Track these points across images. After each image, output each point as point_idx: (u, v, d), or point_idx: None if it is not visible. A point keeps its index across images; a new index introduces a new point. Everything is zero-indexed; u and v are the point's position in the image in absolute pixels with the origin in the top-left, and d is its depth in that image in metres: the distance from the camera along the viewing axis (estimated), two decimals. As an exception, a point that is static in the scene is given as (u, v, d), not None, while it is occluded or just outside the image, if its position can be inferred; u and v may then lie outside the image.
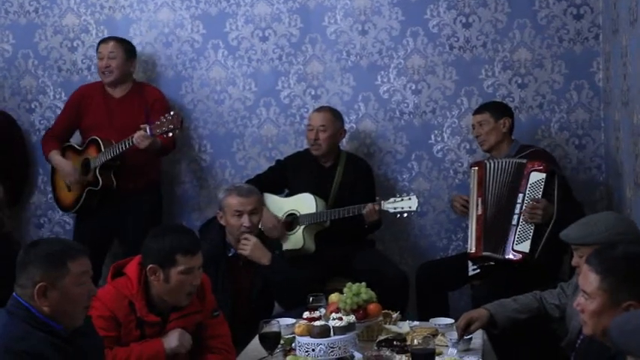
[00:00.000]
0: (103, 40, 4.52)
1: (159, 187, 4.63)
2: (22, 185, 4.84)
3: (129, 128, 4.30)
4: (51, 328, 2.25)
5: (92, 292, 2.37)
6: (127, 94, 4.50)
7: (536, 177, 3.83)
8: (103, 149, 4.31)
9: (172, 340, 2.82)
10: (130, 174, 4.39)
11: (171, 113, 4.16)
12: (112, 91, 4.50)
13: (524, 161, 3.90)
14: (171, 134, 4.17)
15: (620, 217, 2.98)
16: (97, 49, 4.51)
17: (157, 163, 4.58)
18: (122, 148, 4.24)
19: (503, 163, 3.96)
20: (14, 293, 2.29)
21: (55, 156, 4.49)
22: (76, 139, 4.61)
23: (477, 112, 4.22)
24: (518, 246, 3.80)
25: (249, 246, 3.57)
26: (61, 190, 4.57)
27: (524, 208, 3.82)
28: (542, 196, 3.79)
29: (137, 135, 4.16)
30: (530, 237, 3.79)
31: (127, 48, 4.50)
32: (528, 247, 3.78)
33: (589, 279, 2.22)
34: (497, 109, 4.16)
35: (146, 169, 4.47)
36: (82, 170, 4.43)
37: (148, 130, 4.15)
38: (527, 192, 3.83)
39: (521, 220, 3.82)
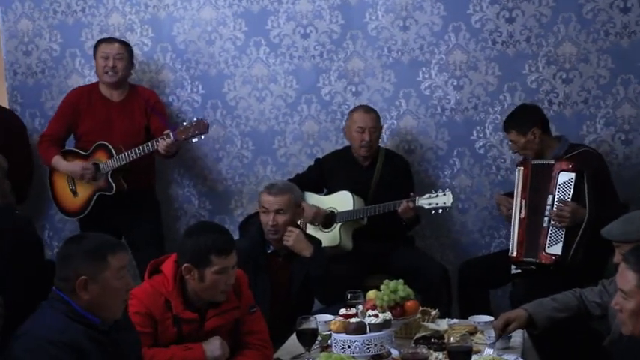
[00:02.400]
0: (106, 40, 4.52)
1: (154, 187, 4.69)
2: (26, 184, 4.75)
3: (130, 132, 4.38)
4: (89, 321, 2.32)
5: (130, 285, 2.44)
6: (126, 98, 4.51)
7: (565, 177, 3.78)
8: (114, 154, 4.31)
9: (215, 348, 2.84)
10: (133, 176, 4.40)
11: (195, 119, 4.21)
12: (111, 95, 4.50)
13: (552, 162, 3.85)
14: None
15: (666, 214, 2.91)
16: (96, 50, 4.49)
17: (153, 165, 4.61)
18: (141, 152, 4.25)
19: (546, 166, 3.88)
20: (54, 287, 2.36)
21: (61, 161, 4.43)
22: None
23: (504, 129, 4.13)
24: (550, 249, 3.76)
25: (292, 237, 3.62)
26: (65, 195, 4.51)
27: (553, 210, 3.76)
28: (573, 197, 3.73)
29: (163, 144, 4.19)
30: (561, 239, 3.74)
31: (130, 51, 4.53)
32: (560, 250, 3.73)
33: (626, 277, 2.19)
34: (521, 124, 4.00)
35: (146, 171, 4.51)
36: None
37: (171, 136, 4.17)
38: (557, 193, 3.78)
39: (551, 222, 3.77)
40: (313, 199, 4.33)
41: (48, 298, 2.36)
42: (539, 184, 3.88)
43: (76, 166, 4.40)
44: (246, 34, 4.75)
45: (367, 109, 4.38)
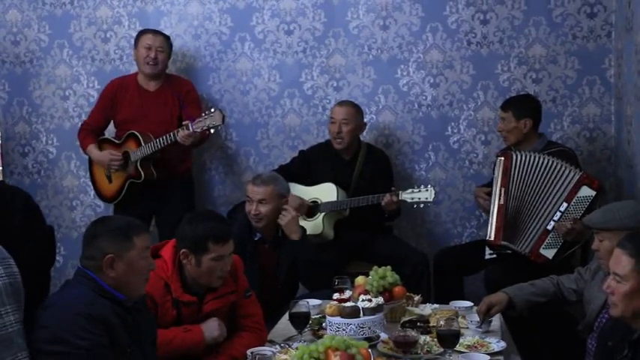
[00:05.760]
0: (149, 32, 4.59)
1: (191, 174, 4.78)
2: None
3: (164, 121, 4.46)
4: (115, 297, 2.43)
5: (152, 266, 2.57)
6: (161, 87, 4.60)
7: (586, 192, 3.82)
8: (143, 143, 4.41)
9: (214, 329, 2.97)
10: (167, 164, 4.50)
11: (212, 110, 4.23)
12: (147, 85, 4.60)
13: (581, 171, 3.87)
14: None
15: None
16: (140, 39, 4.56)
17: (189, 152, 4.69)
18: (164, 142, 4.34)
19: (537, 158, 3.93)
20: (80, 265, 2.47)
21: (93, 150, 4.59)
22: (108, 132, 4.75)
23: (502, 106, 4.25)
24: (544, 251, 3.85)
25: (287, 217, 3.79)
26: (102, 182, 4.66)
27: (562, 219, 3.83)
28: (584, 214, 3.75)
29: (182, 134, 4.25)
30: (557, 246, 3.85)
31: (170, 44, 4.63)
32: (552, 255, 3.84)
33: (622, 262, 2.31)
34: (521, 109, 4.14)
35: (180, 159, 4.60)
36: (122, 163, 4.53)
37: (190, 127, 4.23)
38: (572, 204, 3.82)
39: (555, 228, 3.85)
40: (296, 189, 4.46)
41: (73, 275, 2.47)
42: (553, 182, 3.89)
43: (104, 156, 4.54)
44: (231, 29, 4.89)
45: (343, 103, 4.52)
